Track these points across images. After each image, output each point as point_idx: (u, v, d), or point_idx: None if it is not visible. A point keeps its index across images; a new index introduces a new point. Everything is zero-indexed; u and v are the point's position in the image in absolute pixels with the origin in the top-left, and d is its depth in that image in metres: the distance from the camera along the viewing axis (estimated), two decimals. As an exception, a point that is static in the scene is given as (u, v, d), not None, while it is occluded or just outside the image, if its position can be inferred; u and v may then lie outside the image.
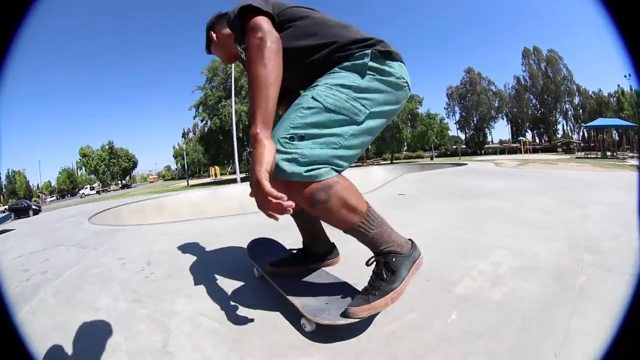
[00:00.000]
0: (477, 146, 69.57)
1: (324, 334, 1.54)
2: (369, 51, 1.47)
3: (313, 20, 1.57)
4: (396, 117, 41.47)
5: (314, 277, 1.98)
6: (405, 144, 48.30)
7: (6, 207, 32.06)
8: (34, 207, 31.01)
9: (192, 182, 49.86)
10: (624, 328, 0.82)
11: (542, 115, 69.24)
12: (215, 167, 53.89)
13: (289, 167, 1.31)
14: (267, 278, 2.03)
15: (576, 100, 67.38)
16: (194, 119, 39.93)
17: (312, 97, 1.40)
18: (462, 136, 74.11)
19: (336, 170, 1.40)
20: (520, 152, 42.52)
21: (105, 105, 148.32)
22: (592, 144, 36.83)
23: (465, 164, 14.24)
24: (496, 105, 72.07)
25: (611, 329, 0.80)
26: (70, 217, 7.66)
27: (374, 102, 1.46)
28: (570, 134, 68.84)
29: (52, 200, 68.44)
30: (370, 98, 1.45)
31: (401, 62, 1.58)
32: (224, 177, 52.16)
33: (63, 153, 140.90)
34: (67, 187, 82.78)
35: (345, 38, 1.50)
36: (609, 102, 61.44)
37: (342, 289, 1.78)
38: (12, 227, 7.53)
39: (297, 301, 1.66)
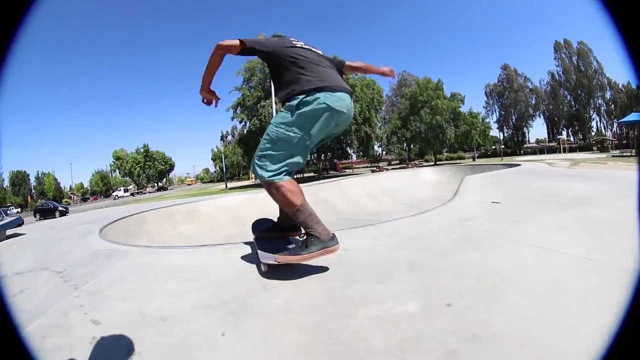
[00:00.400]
0: (516, 146, 68.31)
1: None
2: (300, 97, 2.35)
3: (286, 65, 2.49)
4: (440, 117, 41.82)
5: (281, 241, 2.84)
6: (448, 144, 46.41)
7: (32, 207, 32.58)
8: (60, 208, 32.00)
9: (231, 184, 48.86)
10: (624, 328, 0.86)
11: (577, 112, 67.49)
12: (256, 169, 53.12)
13: (260, 173, 2.44)
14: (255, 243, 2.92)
15: (607, 95, 65.39)
16: (232, 120, 39.27)
17: (267, 133, 2.46)
18: (500, 136, 73.23)
19: (288, 173, 2.46)
20: (559, 152, 42.02)
21: (141, 109, 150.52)
22: (625, 141, 37.96)
23: (519, 165, 13.33)
24: (533, 102, 70.48)
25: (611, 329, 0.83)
26: (86, 224, 7.04)
27: (302, 127, 2.37)
28: (603, 130, 66.98)
29: (84, 201, 70.73)
30: (299, 126, 2.37)
31: (332, 91, 2.41)
32: (265, 180, 50.62)
33: (98, 155, 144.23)
34: (100, 189, 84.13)
35: (292, 89, 2.41)
36: (638, 95, 57.86)
37: (289, 248, 2.56)
38: (23, 231, 7.38)
39: (260, 252, 2.61)
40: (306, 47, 2.64)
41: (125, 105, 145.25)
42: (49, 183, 77.97)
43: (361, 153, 41.89)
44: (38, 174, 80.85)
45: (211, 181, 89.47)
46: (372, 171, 35.16)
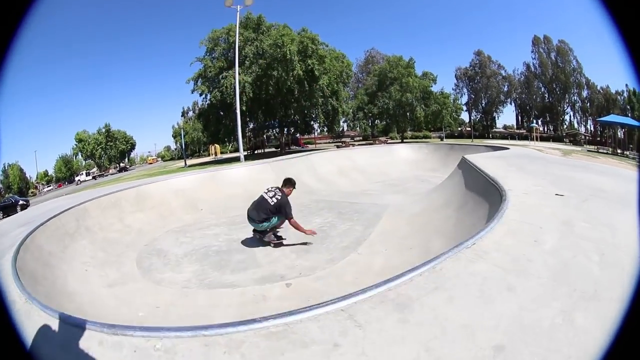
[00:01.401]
0: (483, 129, 68.70)
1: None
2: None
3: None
4: (410, 94, 41.29)
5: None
6: (416, 122, 46.29)
7: None
8: (21, 202, 30.72)
9: (190, 161, 46.57)
10: (624, 328, 0.94)
11: (550, 104, 68.23)
12: (215, 145, 51.02)
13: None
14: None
15: (584, 93, 66.65)
16: (192, 93, 37.03)
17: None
18: (466, 118, 73.39)
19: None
20: (531, 140, 41.96)
21: (101, 88, 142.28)
22: (599, 139, 39.15)
23: (507, 148, 13.27)
24: (505, 89, 71.27)
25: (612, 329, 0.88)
26: (19, 228, 5.97)
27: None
28: (576, 125, 68.28)
29: (49, 190, 65.49)
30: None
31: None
32: (225, 156, 49.37)
33: (61, 140, 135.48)
34: (64, 175, 79.70)
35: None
36: (616, 100, 60.89)
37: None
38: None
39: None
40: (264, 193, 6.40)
41: (86, 83, 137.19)
42: (13, 175, 73.02)
43: (326, 128, 40.50)
44: (4, 167, 75.67)
45: (172, 159, 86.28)
46: (338, 146, 34.19)
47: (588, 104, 65.35)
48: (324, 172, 14.64)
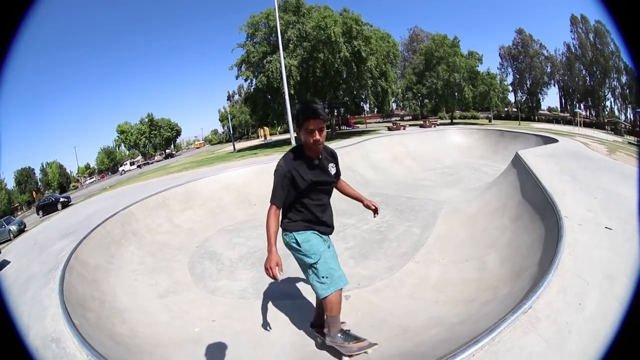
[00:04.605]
0: (529, 111, 67.57)
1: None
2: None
3: None
4: (458, 74, 40.05)
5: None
6: (464, 103, 45.08)
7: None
8: (62, 199, 30.57)
9: (239, 145, 46.13)
10: (624, 327, 0.96)
11: (592, 88, 65.96)
12: (265, 127, 50.74)
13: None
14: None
15: (623, 79, 63.55)
16: (237, 79, 36.71)
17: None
18: (512, 99, 71.58)
19: None
20: (575, 125, 41.23)
21: (142, 78, 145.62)
22: (638, 129, 39.23)
23: (556, 140, 12.80)
24: (549, 70, 69.18)
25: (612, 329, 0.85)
26: (62, 239, 5.90)
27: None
28: (617, 112, 65.80)
29: (92, 182, 67.91)
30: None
31: None
32: (275, 138, 48.89)
33: (104, 133, 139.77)
34: (107, 166, 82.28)
35: None
36: None
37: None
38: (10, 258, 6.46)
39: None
40: None
41: (126, 77, 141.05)
42: (52, 172, 76.36)
43: (376, 109, 39.66)
44: (42, 166, 79.10)
45: (219, 142, 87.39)
46: (389, 128, 33.47)
47: (627, 91, 62.65)
48: (378, 159, 14.46)
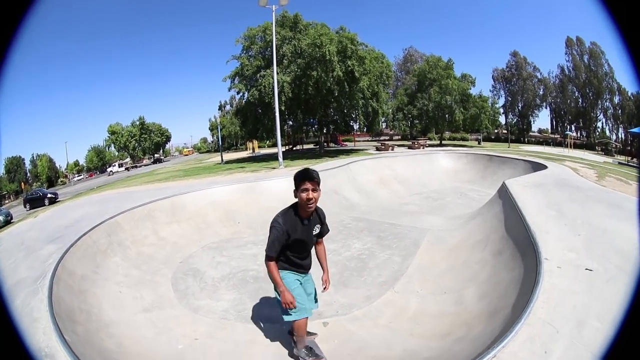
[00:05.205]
0: (519, 133, 68.65)
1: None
2: None
3: None
4: (450, 97, 40.58)
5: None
6: (454, 125, 45.28)
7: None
8: (49, 195, 30.60)
9: (227, 156, 45.73)
10: (624, 327, 0.94)
11: (584, 109, 67.56)
12: (254, 140, 50.54)
13: None
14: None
15: (616, 99, 65.40)
16: (229, 90, 36.85)
17: None
18: (503, 121, 72.75)
19: None
20: (565, 146, 42.80)
21: (136, 82, 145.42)
22: (629, 149, 39.05)
23: (545, 167, 12.95)
24: (541, 93, 70.59)
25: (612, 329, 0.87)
26: (48, 244, 5.94)
27: None
28: (608, 133, 67.36)
29: (80, 179, 68.09)
30: None
31: None
32: (263, 151, 48.84)
33: (95, 131, 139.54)
34: (95, 165, 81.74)
35: None
36: None
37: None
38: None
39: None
40: None
41: (121, 77, 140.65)
42: (42, 165, 75.79)
43: (366, 129, 40.04)
44: (33, 157, 78.50)
45: (208, 151, 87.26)
46: (377, 148, 33.73)
47: (620, 111, 64.14)
48: (364, 182, 14.58)
